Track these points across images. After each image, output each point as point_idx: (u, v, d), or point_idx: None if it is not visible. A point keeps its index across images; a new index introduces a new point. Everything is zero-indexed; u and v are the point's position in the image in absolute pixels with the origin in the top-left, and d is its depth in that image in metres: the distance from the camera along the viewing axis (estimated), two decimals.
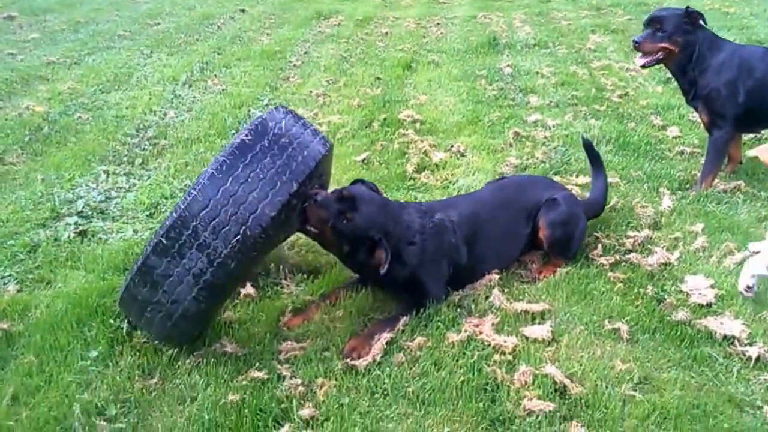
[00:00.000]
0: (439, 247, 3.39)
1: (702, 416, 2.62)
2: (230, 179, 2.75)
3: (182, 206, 2.76)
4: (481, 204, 3.69)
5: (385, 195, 4.47)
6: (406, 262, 3.30)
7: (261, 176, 2.79)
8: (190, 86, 7.56)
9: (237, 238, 2.74)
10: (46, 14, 11.67)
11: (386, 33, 10.01)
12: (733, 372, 2.88)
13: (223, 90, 7.36)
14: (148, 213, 4.62)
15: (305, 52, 9.01)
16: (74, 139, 6.02)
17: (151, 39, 9.99)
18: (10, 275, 3.89)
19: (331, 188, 3.43)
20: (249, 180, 2.77)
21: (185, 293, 2.79)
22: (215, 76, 7.97)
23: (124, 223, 4.51)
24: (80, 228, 4.38)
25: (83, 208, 4.67)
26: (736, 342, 3.02)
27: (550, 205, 3.67)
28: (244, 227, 2.74)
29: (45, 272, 3.90)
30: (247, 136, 2.86)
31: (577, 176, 4.80)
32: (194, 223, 2.71)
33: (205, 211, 2.72)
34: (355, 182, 3.51)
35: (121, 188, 5.02)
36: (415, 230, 3.34)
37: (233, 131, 6.02)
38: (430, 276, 3.38)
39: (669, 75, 6.98)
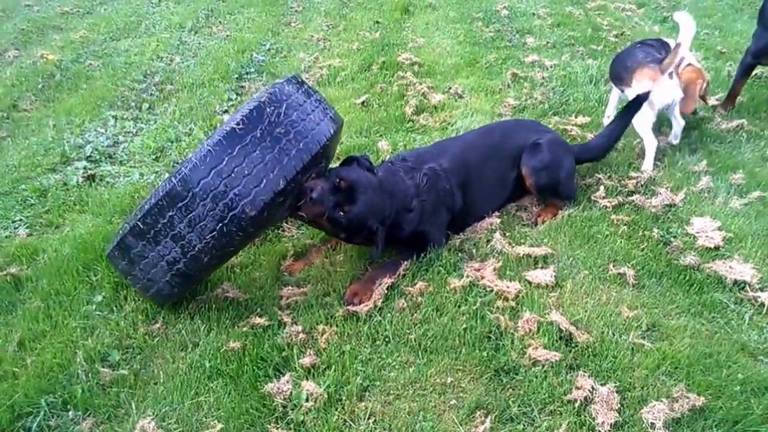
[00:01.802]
0: (436, 197, 3.01)
1: (715, 366, 2.28)
2: (212, 172, 2.33)
3: (161, 193, 2.38)
4: (469, 149, 3.26)
5: (384, 140, 4.13)
6: (404, 229, 2.93)
7: (247, 172, 2.35)
8: (196, 33, 7.11)
9: (213, 234, 2.38)
10: None
11: None
12: (745, 319, 2.53)
13: (227, 36, 6.89)
14: (154, 157, 4.30)
15: None
16: (85, 85, 5.69)
17: None
18: (21, 220, 3.64)
19: None
20: (233, 175, 2.34)
21: (159, 276, 2.51)
22: (220, 22, 7.50)
23: (131, 166, 4.21)
24: (89, 172, 4.10)
25: (92, 152, 4.38)
26: (747, 287, 2.66)
27: (532, 150, 3.26)
28: (221, 224, 2.37)
29: (54, 216, 3.63)
30: (238, 124, 2.38)
31: (576, 116, 4.36)
32: (170, 213, 2.36)
33: (182, 203, 2.34)
34: (348, 160, 2.96)
35: (128, 133, 4.71)
36: (412, 196, 2.94)
37: (236, 75, 5.64)
38: (431, 226, 3.01)
39: (666, 14, 6.53)
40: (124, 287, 2.88)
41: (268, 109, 2.42)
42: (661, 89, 3.62)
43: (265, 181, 2.36)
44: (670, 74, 3.63)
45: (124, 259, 2.53)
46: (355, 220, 2.73)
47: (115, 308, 2.78)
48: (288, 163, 2.40)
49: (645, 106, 3.57)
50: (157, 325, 2.67)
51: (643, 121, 3.64)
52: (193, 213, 2.34)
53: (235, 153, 2.34)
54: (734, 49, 5.44)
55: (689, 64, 3.83)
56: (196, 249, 2.41)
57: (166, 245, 2.41)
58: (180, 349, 2.56)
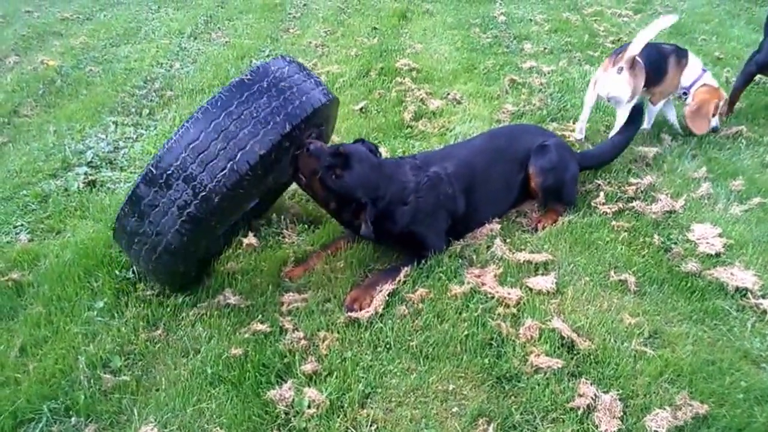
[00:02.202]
0: (436, 200, 2.99)
1: (718, 373, 2.26)
2: (223, 114, 2.47)
3: (174, 137, 2.46)
4: (475, 153, 3.25)
5: (383, 146, 4.10)
6: (397, 222, 2.91)
7: (255, 114, 2.50)
8: (195, 39, 7.08)
9: (223, 172, 2.44)
10: None
11: None
12: (747, 326, 2.49)
13: (226, 42, 6.87)
14: None
15: (304, 4, 8.43)
16: (85, 91, 5.65)
17: None
18: (22, 225, 3.60)
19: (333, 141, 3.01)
20: (242, 117, 2.48)
21: (169, 225, 2.51)
22: (219, 28, 7.48)
23: (131, 172, 4.17)
24: (90, 178, 4.05)
25: (93, 158, 4.33)
26: (748, 294, 2.62)
27: (541, 151, 3.26)
28: (231, 162, 2.44)
29: (55, 222, 3.59)
30: (247, 75, 2.58)
31: (574, 122, 4.33)
32: (183, 154, 2.43)
33: (194, 143, 2.43)
34: (357, 141, 3.07)
35: (129, 138, 4.67)
36: (410, 190, 2.93)
37: None
38: (427, 229, 2.98)
39: None
40: (125, 293, 2.86)
41: (272, 67, 2.64)
42: (603, 78, 3.80)
43: (272, 123, 2.51)
44: (620, 69, 3.70)
45: (133, 215, 2.53)
46: (346, 187, 2.77)
47: (116, 314, 2.75)
48: (293, 110, 2.57)
49: (591, 83, 3.87)
50: (158, 332, 2.63)
51: (586, 96, 3.99)
52: (205, 152, 2.42)
53: (243, 98, 2.50)
54: (731, 54, 5.43)
55: (704, 85, 3.85)
56: (207, 189, 2.44)
57: (177, 188, 2.44)
58: (182, 355, 2.52)
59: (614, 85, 3.75)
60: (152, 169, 2.45)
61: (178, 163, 2.42)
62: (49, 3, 9.14)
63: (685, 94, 3.98)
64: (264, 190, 3.01)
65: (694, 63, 3.95)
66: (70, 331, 2.65)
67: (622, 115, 3.74)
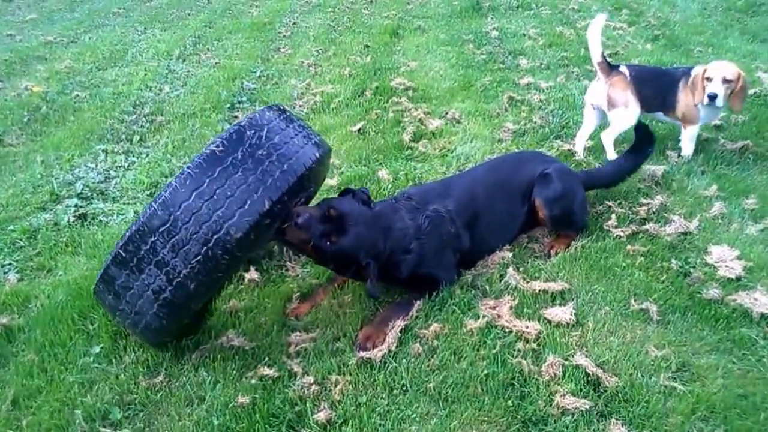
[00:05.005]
0: (439, 240, 2.88)
1: (752, 409, 2.16)
2: (194, 195, 2.25)
3: (142, 219, 2.28)
4: (476, 185, 3.15)
5: (384, 169, 4.00)
6: (402, 271, 2.79)
7: (229, 193, 2.27)
8: (184, 61, 6.96)
9: (197, 258, 2.26)
10: None
11: (371, 0, 9.28)
12: None
13: (216, 63, 6.76)
14: (148, 192, 4.13)
15: (294, 23, 8.36)
16: (72, 118, 5.51)
17: (144, 15, 9.36)
18: (10, 264, 3.45)
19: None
20: (215, 197, 2.25)
21: (146, 308, 2.37)
22: (208, 49, 7.38)
23: (124, 204, 4.04)
24: (80, 211, 3.91)
25: (83, 189, 4.19)
26: None
27: (543, 181, 3.16)
28: (205, 248, 2.25)
29: (45, 259, 3.45)
30: (218, 146, 2.32)
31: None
32: (152, 239, 2.25)
33: (164, 227, 2.24)
34: (345, 192, 2.87)
35: (120, 167, 4.53)
36: (411, 236, 2.80)
37: (228, 105, 5.49)
38: (436, 267, 2.87)
39: (657, 32, 6.48)
40: (123, 336, 2.72)
41: (248, 132, 2.38)
42: (590, 88, 4.14)
43: (249, 202, 2.28)
44: (599, 78, 3.98)
45: (109, 293, 2.40)
46: (343, 253, 2.61)
47: (114, 360, 2.62)
48: (272, 184, 2.33)
49: None
50: (160, 378, 2.50)
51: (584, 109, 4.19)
52: (176, 237, 2.24)
53: (216, 175, 2.27)
54: None
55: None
56: (182, 275, 2.28)
57: (150, 273, 2.29)
58: (185, 404, 2.40)
59: (593, 92, 4.02)
60: (121, 252, 2.29)
61: (148, 247, 2.25)
62: (31, 26, 9.02)
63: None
64: (242, 264, 2.86)
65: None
66: (66, 381, 2.52)
67: (612, 123, 3.93)
